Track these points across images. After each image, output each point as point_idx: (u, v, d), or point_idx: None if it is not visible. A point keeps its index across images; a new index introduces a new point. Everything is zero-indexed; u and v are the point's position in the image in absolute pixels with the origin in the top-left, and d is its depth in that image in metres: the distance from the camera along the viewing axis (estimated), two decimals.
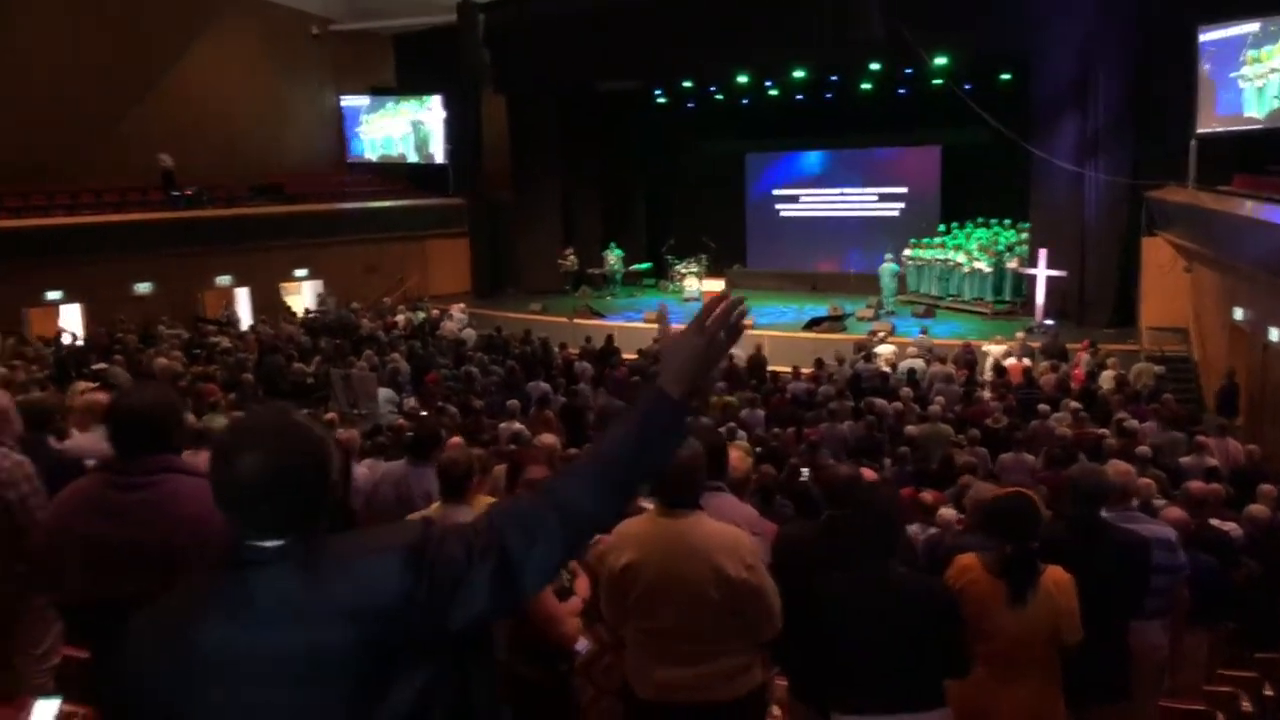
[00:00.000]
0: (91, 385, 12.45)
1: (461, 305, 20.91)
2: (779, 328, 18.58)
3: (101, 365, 14.41)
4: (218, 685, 1.46)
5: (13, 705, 2.80)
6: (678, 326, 1.74)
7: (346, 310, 20.26)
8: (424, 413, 11.76)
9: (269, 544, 1.50)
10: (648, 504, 3.33)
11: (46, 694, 2.60)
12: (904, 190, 23.24)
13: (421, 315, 20.19)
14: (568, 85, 22.57)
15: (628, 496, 1.70)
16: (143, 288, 19.79)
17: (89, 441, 5.62)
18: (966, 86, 18.48)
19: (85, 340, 17.35)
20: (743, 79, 21.29)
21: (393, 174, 26.10)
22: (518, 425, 9.42)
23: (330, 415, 10.16)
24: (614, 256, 23.14)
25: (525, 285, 23.97)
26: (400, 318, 19.93)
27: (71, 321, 19.02)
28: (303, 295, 23.02)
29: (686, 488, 3.10)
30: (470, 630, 1.54)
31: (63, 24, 19.85)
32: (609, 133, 24.36)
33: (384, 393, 13.30)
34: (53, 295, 18.97)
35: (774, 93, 22.34)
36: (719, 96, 23.30)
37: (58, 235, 18.72)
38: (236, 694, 1.46)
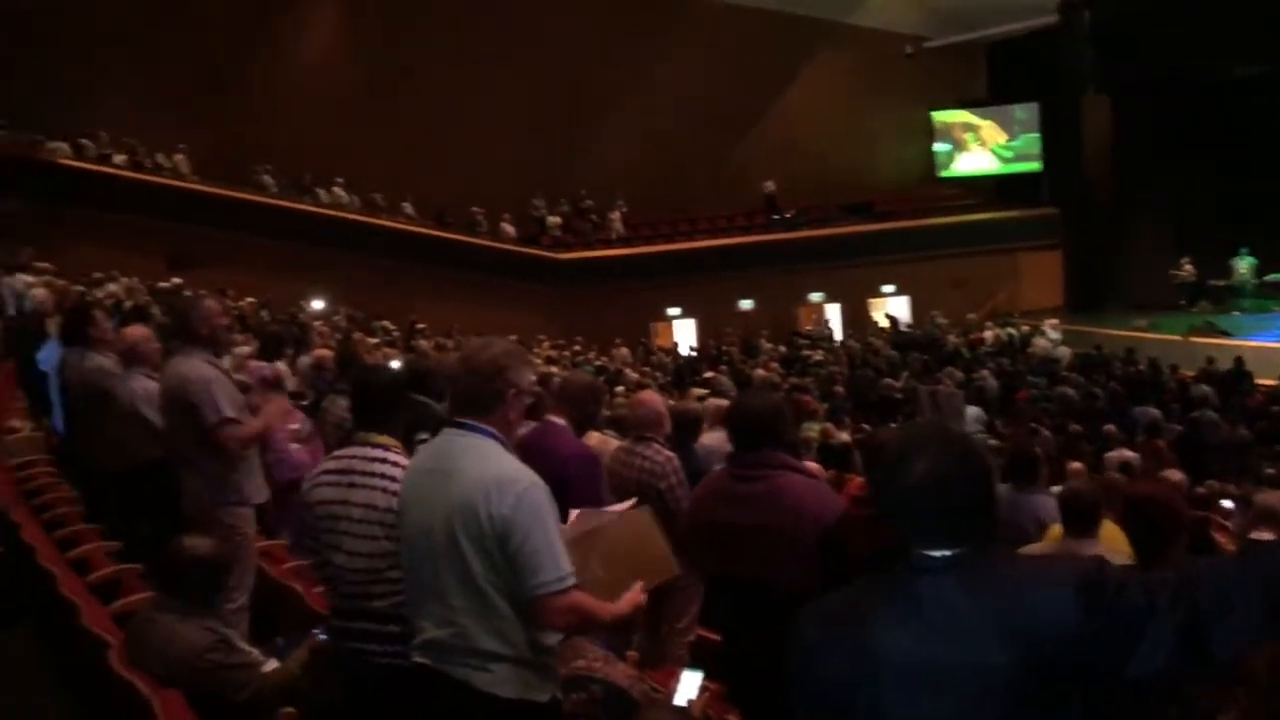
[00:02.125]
0: (703, 392, 13.91)
1: (1055, 321, 19.64)
2: None
3: (710, 374, 16.05)
4: (891, 689, 1.50)
5: (662, 672, 3.11)
6: None
7: (931, 325, 20.19)
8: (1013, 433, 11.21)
9: (937, 553, 1.52)
10: None
11: (687, 666, 2.84)
12: None
13: (1011, 331, 19.38)
14: (1187, 76, 20.06)
15: None
16: (746, 304, 21.73)
17: (714, 441, 6.24)
18: None
19: (697, 351, 19.53)
20: None
21: (981, 186, 25.48)
22: (1128, 453, 8.52)
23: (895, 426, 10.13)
24: (1244, 265, 19.94)
25: (1128, 299, 21.76)
26: (988, 334, 19.34)
27: (686, 335, 21.60)
28: (886, 309, 23.44)
29: None
30: (1147, 681, 1.44)
31: (690, 68, 22.59)
32: (1229, 126, 21.13)
33: (971, 411, 12.94)
34: (672, 311, 21.70)
35: None
36: None
37: (679, 258, 21.42)
38: (906, 699, 1.49)
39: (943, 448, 1.55)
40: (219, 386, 4.03)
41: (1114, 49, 20.20)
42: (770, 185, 22.75)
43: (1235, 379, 13.68)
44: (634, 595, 2.42)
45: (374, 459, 2.85)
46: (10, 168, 16.52)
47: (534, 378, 2.59)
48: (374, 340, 13.36)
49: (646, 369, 16.00)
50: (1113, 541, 3.66)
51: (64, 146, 17.81)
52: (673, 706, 2.49)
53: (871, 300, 23.28)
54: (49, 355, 6.97)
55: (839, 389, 13.81)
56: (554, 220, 22.03)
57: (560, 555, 2.25)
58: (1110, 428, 10.20)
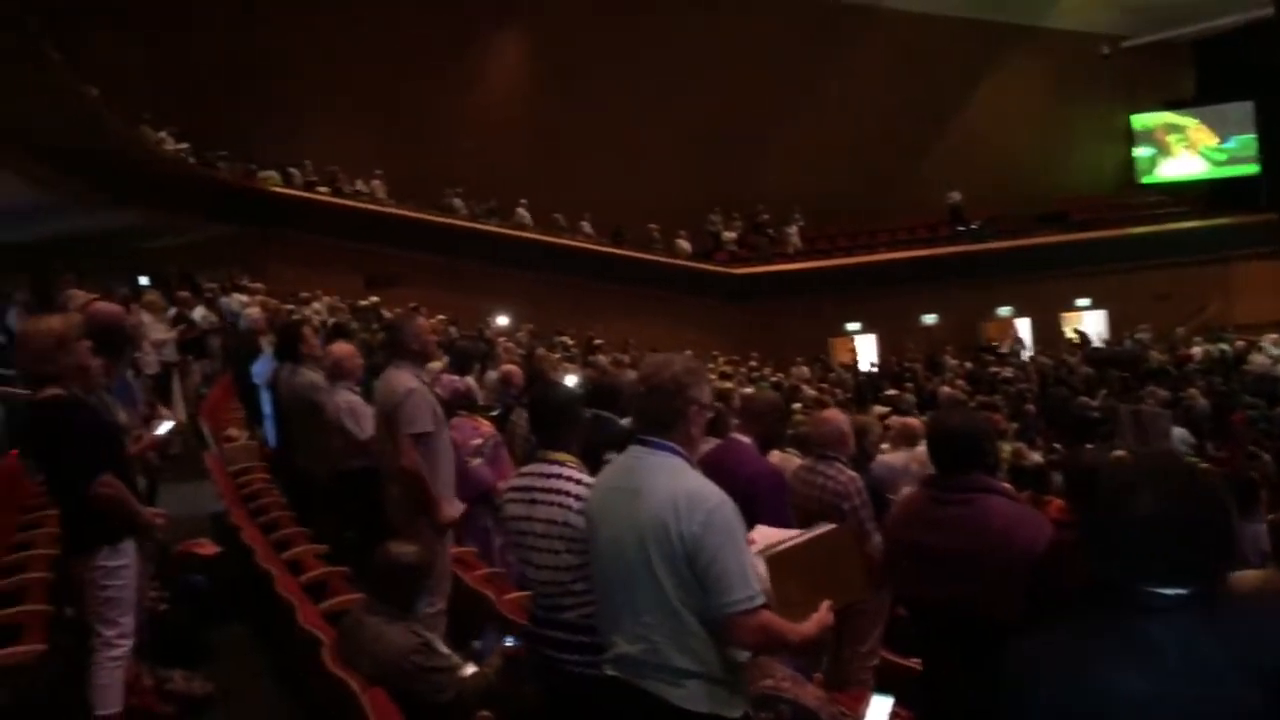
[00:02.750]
0: (885, 410, 13.56)
1: (1275, 336, 18.06)
2: None
3: (893, 391, 15.62)
4: None
5: (850, 695, 3.03)
6: None
7: (1132, 341, 18.97)
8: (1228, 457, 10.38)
9: (1169, 591, 1.42)
10: None
11: (869, 689, 2.75)
12: None
13: (1224, 347, 17.96)
14: None
15: None
16: (929, 318, 21.04)
17: (897, 459, 6.06)
18: None
19: (878, 367, 19.05)
20: None
21: (1189, 192, 23.78)
22: None
23: (1119, 453, 9.52)
24: None
25: None
26: (1196, 349, 18.00)
27: (866, 350, 21.13)
28: (1081, 323, 22.20)
29: None
30: None
31: (870, 78, 22.20)
32: None
33: (1178, 432, 12.04)
34: (851, 326, 21.25)
35: None
36: None
37: (858, 272, 20.99)
38: None
39: (1173, 478, 1.47)
40: (419, 399, 4.23)
41: None
42: (956, 195, 22.00)
43: None
44: (822, 616, 2.37)
45: (551, 475, 2.94)
46: (229, 196, 17.95)
47: (711, 392, 2.58)
48: (556, 356, 13.71)
49: (825, 385, 15.72)
50: None
51: (274, 175, 19.19)
52: None
53: (1065, 315, 22.10)
54: (262, 369, 7.51)
55: (1030, 407, 13.16)
56: (729, 235, 22.05)
57: (750, 574, 2.24)
58: None
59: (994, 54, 22.93)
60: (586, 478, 2.91)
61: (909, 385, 15.39)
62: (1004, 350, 19.95)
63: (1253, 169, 22.34)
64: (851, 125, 22.04)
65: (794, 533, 2.69)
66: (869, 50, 22.29)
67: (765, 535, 2.62)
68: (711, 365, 17.32)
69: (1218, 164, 23.03)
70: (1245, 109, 22.21)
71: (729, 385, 12.33)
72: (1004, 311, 21.65)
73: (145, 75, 18.84)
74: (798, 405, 12.11)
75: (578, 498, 2.84)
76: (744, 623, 2.21)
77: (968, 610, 2.64)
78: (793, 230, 21.94)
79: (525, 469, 3.12)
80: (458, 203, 20.59)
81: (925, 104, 22.51)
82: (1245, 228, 21.84)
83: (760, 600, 2.23)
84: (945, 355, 18.59)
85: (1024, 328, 21.70)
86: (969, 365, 17.86)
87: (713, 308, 20.73)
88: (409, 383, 4.24)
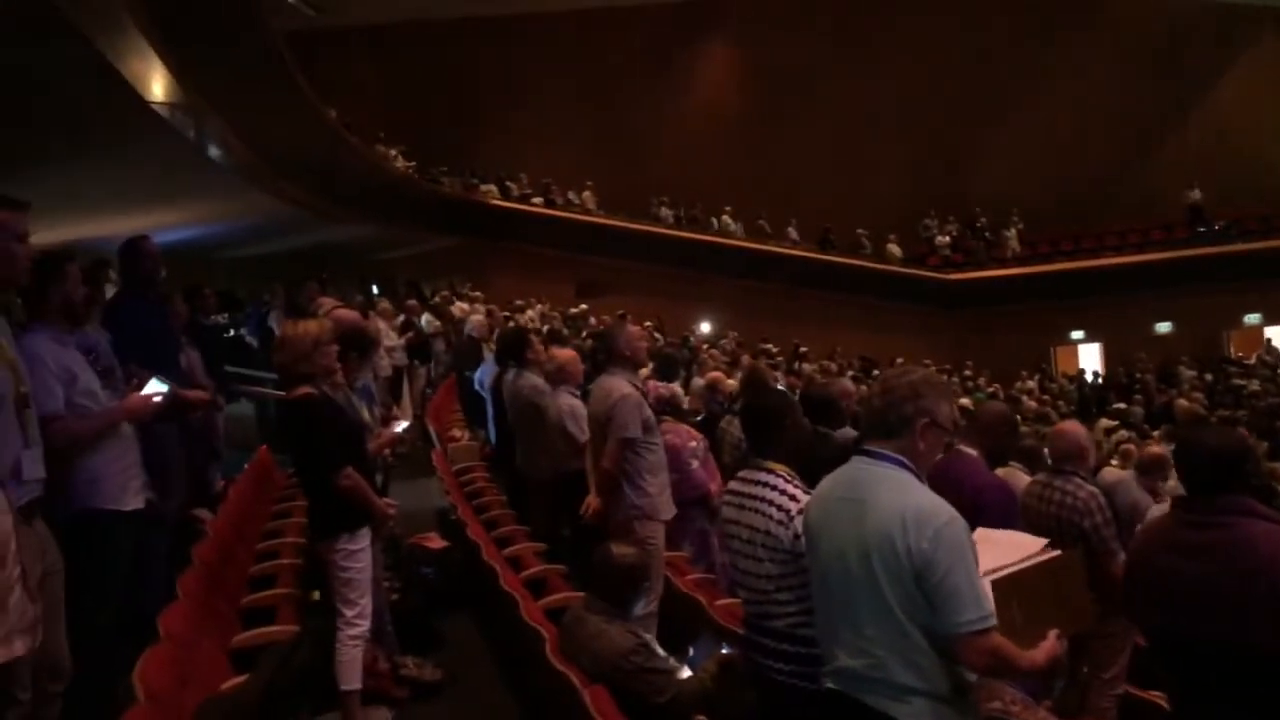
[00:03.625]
0: (1113, 424, 12.73)
1: None
2: None
3: (1121, 404, 14.64)
4: None
5: None
6: None
7: None
8: None
9: None
10: None
11: (1110, 719, 2.59)
12: None
13: None
14: None
15: None
16: (1163, 327, 19.52)
17: (1118, 475, 5.73)
18: None
19: (1105, 378, 17.89)
20: None
21: None
22: None
23: None
24: None
25: None
26: None
27: (1090, 360, 19.84)
28: None
29: None
30: None
31: (1096, 71, 20.88)
32: None
33: None
34: (1075, 335, 20.01)
35: None
36: None
37: (1082, 277, 19.74)
38: None
39: None
40: (631, 404, 4.34)
41: None
42: (1195, 194, 20.29)
43: None
44: (1051, 646, 2.27)
45: (760, 483, 2.98)
46: (451, 208, 18.99)
47: (954, 413, 2.49)
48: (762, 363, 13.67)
49: (1045, 398, 14.92)
50: None
51: (493, 188, 20.15)
52: None
53: None
54: (483, 374, 7.89)
55: None
56: (943, 240, 21.27)
57: (981, 595, 2.17)
58: None
59: (1240, 37, 21.03)
60: (797, 489, 2.91)
61: (1138, 398, 14.40)
62: (1250, 362, 18.23)
63: None
64: (1077, 123, 20.79)
65: (1016, 540, 2.58)
66: (1096, 37, 20.97)
67: (986, 538, 2.51)
68: None
69: None
70: None
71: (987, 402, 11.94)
72: (1252, 319, 19.75)
73: (377, 97, 20.33)
74: (1017, 418, 11.57)
75: (779, 508, 2.87)
76: (975, 643, 2.15)
77: (1226, 644, 2.43)
78: (1011, 234, 20.89)
79: (741, 473, 3.16)
80: (665, 211, 20.92)
81: (1161, 97, 20.92)
82: None
83: (992, 622, 2.16)
84: (1180, 366, 17.24)
85: (1276, 337, 19.74)
86: (1208, 377, 16.48)
87: (924, 315, 20.05)
88: (623, 388, 4.37)
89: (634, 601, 3.36)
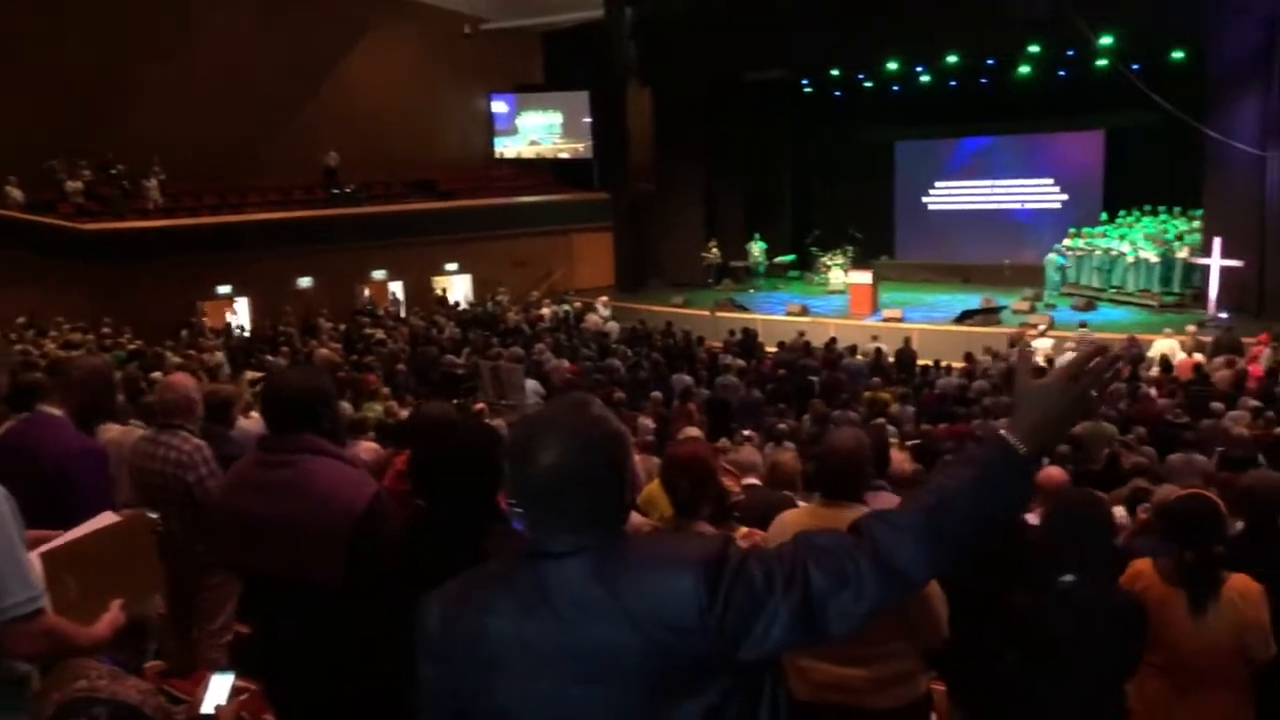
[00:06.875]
0: (259, 375, 13.10)
1: (605, 299, 21.06)
2: (930, 321, 17.96)
3: (269, 357, 15.15)
4: (509, 673, 1.49)
5: (190, 679, 2.88)
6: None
7: (494, 303, 20.72)
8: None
9: (565, 539, 1.49)
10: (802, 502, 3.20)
11: (221, 669, 2.66)
12: (1063, 178, 22.07)
13: (566, 308, 20.46)
14: (712, 77, 22.31)
15: (952, 554, 1.49)
16: (304, 281, 20.72)
17: (256, 426, 5.90)
18: (1135, 67, 17.39)
19: (252, 332, 18.34)
20: (893, 66, 20.58)
21: (539, 169, 26.56)
22: (649, 422, 9.44)
23: (479, 406, 10.34)
24: (757, 249, 22.82)
25: (668, 278, 23.88)
26: (545, 310, 20.25)
27: (241, 314, 20.16)
28: (450, 287, 23.67)
29: (851, 480, 2.96)
30: (759, 663, 1.48)
31: (239, 26, 20.96)
32: (753, 124, 24.02)
33: (530, 384, 13.47)
34: (223, 290, 20.08)
35: (926, 79, 21.49)
36: (868, 84, 22.55)
37: (229, 231, 19.85)
38: (526, 684, 1.48)
39: (575, 433, 1.49)
40: None
41: (652, 46, 21.97)
42: (334, 158, 21.88)
43: (749, 348, 15.60)
44: (113, 616, 2.18)
45: None
46: None
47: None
48: None
49: (191, 353, 14.69)
50: (652, 500, 3.97)
51: None
52: None
53: (436, 279, 23.36)
54: None
55: (401, 367, 13.70)
56: (75, 185, 19.36)
57: (30, 573, 1.98)
58: (656, 394, 11.18)
59: (367, 18, 23.11)
60: None
61: (284, 350, 15.07)
62: (380, 313, 20.44)
63: (587, 152, 25.59)
64: (221, 81, 20.61)
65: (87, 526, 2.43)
66: (242, 6, 21.03)
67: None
68: (54, 334, 15.25)
69: (559, 146, 26.04)
70: (583, 98, 25.25)
71: (74, 355, 10.96)
72: (379, 275, 22.19)
73: None
74: (158, 375, 11.18)
75: None
76: (26, 629, 1.95)
77: (294, 576, 2.62)
78: (152, 184, 19.94)
79: None
80: None
81: (301, 61, 21.93)
82: (582, 204, 25.05)
83: (44, 601, 1.98)
84: (320, 318, 18.53)
85: (398, 291, 22.48)
86: (344, 327, 18.02)
87: (55, 267, 18.05)
88: None
89: None
